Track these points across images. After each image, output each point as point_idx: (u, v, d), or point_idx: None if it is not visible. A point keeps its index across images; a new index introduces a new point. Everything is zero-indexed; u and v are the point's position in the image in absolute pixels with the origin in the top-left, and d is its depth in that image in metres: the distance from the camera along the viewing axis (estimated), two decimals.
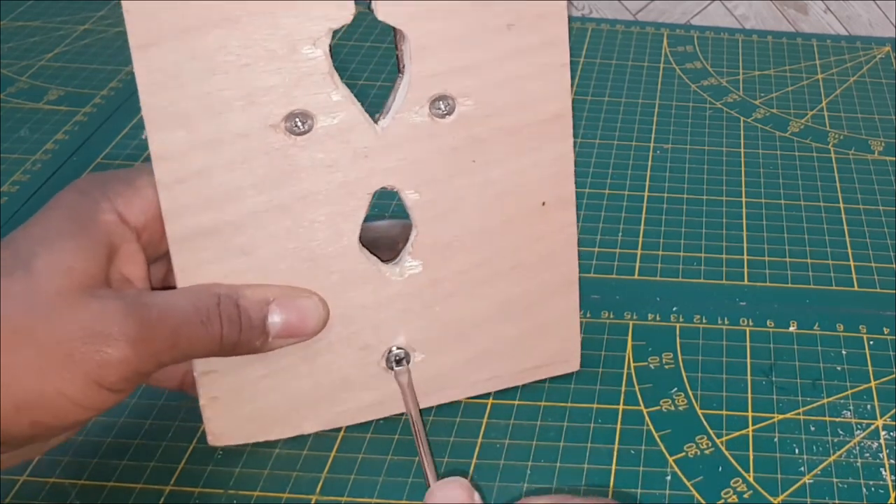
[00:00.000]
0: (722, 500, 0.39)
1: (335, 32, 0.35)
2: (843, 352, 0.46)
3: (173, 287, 0.36)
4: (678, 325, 0.47)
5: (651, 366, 0.45)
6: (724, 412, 0.43)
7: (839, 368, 0.45)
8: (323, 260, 0.38)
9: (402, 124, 0.37)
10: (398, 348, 0.40)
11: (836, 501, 0.39)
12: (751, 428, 0.42)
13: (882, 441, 0.42)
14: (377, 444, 0.41)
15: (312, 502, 0.39)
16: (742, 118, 0.63)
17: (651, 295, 0.49)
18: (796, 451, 0.41)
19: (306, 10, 0.34)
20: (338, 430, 0.41)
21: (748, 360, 0.45)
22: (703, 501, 0.39)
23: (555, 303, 0.42)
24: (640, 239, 0.52)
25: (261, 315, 0.36)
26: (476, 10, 0.36)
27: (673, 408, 0.43)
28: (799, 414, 0.43)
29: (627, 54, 0.70)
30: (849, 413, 0.43)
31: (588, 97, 0.64)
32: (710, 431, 0.42)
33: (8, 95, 0.62)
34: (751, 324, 0.47)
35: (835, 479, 0.40)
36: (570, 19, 0.74)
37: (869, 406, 0.43)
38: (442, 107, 0.37)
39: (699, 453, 0.41)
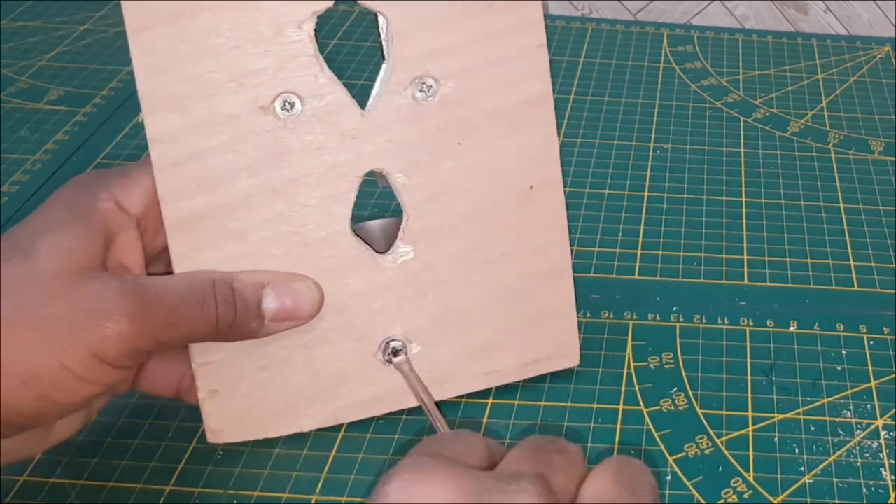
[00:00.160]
0: (722, 500, 0.39)
1: (320, 26, 0.37)
2: (843, 352, 0.46)
3: None
4: (678, 325, 0.47)
5: (651, 366, 0.45)
6: (724, 412, 0.43)
7: (839, 368, 0.45)
8: (316, 245, 0.38)
9: (387, 106, 0.38)
10: (395, 340, 0.40)
11: (836, 501, 0.39)
12: (751, 428, 0.42)
13: (882, 441, 0.42)
14: (377, 444, 0.41)
15: (312, 502, 0.39)
16: (742, 118, 0.63)
17: (651, 295, 0.49)
18: (796, 451, 0.41)
19: None
20: (338, 429, 0.41)
21: (748, 360, 0.45)
22: (703, 501, 0.39)
23: (549, 291, 0.42)
24: (640, 239, 0.52)
25: (255, 298, 0.37)
26: None
27: (673, 408, 0.43)
28: (799, 414, 0.43)
29: (627, 54, 0.70)
30: (849, 413, 0.43)
31: (588, 97, 0.64)
32: (710, 431, 0.42)
33: (8, 95, 0.62)
34: (751, 324, 0.47)
35: (835, 479, 0.40)
36: (571, 19, 0.74)
37: (869, 406, 0.43)
38: (425, 88, 0.38)
39: (699, 453, 0.41)
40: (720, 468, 0.40)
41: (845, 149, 0.61)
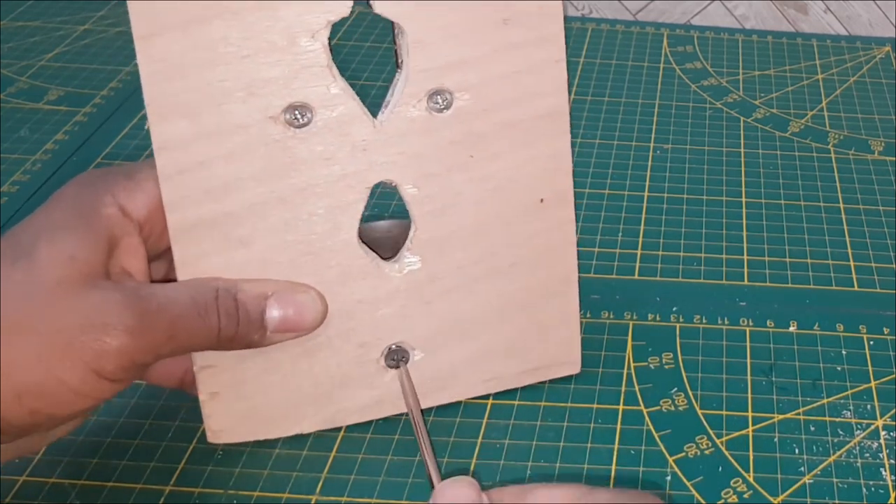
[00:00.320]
0: (722, 500, 0.39)
1: (336, 29, 0.36)
2: (843, 352, 0.46)
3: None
4: (678, 325, 0.47)
5: (651, 366, 0.45)
6: (724, 412, 0.43)
7: (839, 368, 0.45)
8: (322, 254, 0.38)
9: (400, 118, 0.37)
10: (397, 346, 0.40)
11: (836, 501, 0.39)
12: (751, 428, 0.42)
13: (882, 441, 0.42)
14: (377, 444, 0.41)
15: (312, 502, 0.39)
16: (742, 118, 0.63)
17: (651, 295, 0.49)
18: (796, 451, 0.41)
19: (305, 3, 0.35)
20: (338, 430, 0.41)
21: (748, 360, 0.45)
22: (703, 501, 0.39)
23: (554, 302, 0.42)
24: (640, 239, 0.52)
25: (259, 309, 0.36)
26: (472, 5, 0.37)
27: (673, 408, 0.43)
28: (799, 414, 0.43)
29: (627, 54, 0.70)
30: (849, 413, 0.43)
31: (588, 97, 0.64)
32: (710, 431, 0.42)
33: (8, 95, 0.62)
34: (751, 324, 0.47)
35: (835, 479, 0.40)
36: (571, 19, 0.74)
37: (869, 406, 0.43)
38: (439, 101, 0.38)
39: (699, 453, 0.41)
40: (720, 468, 0.40)
41: (845, 149, 0.61)
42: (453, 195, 0.39)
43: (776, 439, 0.42)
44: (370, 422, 0.41)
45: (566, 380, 0.44)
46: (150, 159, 0.35)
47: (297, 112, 0.36)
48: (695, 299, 0.49)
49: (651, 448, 0.41)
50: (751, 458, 0.41)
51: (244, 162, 0.36)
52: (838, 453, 0.41)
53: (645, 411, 0.43)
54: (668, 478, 0.40)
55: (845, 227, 0.54)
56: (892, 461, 0.41)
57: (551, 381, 0.44)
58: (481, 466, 0.40)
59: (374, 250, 0.39)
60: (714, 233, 0.53)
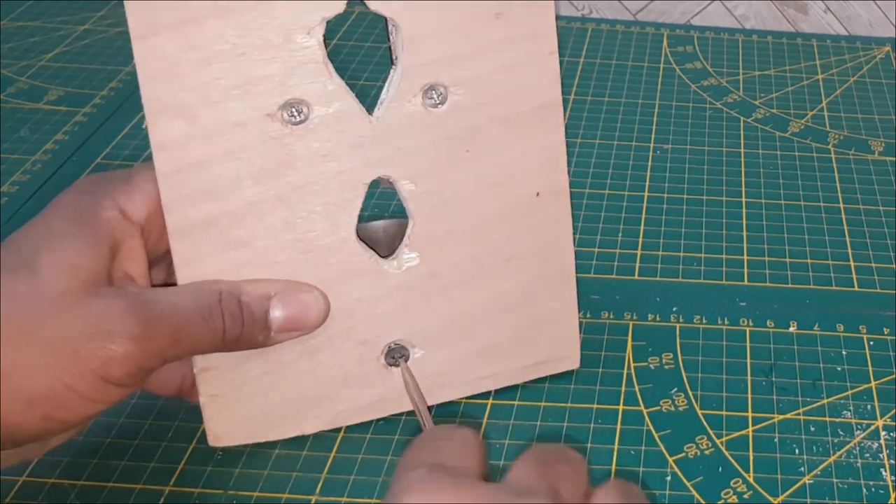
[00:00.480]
0: (722, 501, 0.39)
1: (336, 29, 0.36)
2: (843, 352, 0.46)
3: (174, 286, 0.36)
4: (678, 325, 0.47)
5: (651, 366, 0.45)
6: (724, 412, 0.43)
7: (839, 369, 0.45)
8: (320, 252, 0.38)
9: (396, 114, 0.37)
10: (396, 344, 0.40)
11: (836, 502, 0.39)
12: (751, 428, 0.42)
13: (882, 441, 0.42)
14: (377, 444, 0.41)
15: (312, 502, 0.39)
16: (742, 118, 0.63)
17: (651, 295, 0.49)
18: (796, 451, 0.41)
19: (300, 1, 0.35)
20: (338, 430, 0.41)
21: (748, 361, 0.45)
22: (703, 502, 0.39)
23: (552, 297, 0.42)
24: (640, 239, 0.52)
25: (262, 310, 0.36)
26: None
27: (673, 408, 0.43)
28: (799, 414, 0.43)
29: (627, 54, 0.70)
30: (849, 413, 0.43)
31: (588, 97, 0.64)
32: (710, 432, 0.42)
33: (8, 95, 0.62)
34: (751, 324, 0.47)
35: (835, 480, 0.40)
36: (571, 19, 0.74)
37: (869, 406, 0.43)
38: (434, 96, 0.38)
39: (699, 453, 0.41)
40: (720, 468, 0.40)
41: (845, 149, 0.61)
42: (450, 190, 0.39)
43: (776, 439, 0.42)
44: (370, 422, 0.41)
45: (566, 380, 0.44)
46: (147, 162, 0.36)
47: (293, 109, 0.36)
48: (695, 299, 0.49)
49: (651, 448, 0.41)
50: (751, 458, 0.41)
51: (242, 160, 0.36)
52: (838, 453, 0.41)
53: (645, 411, 0.43)
54: (668, 478, 0.40)
55: (845, 227, 0.54)
56: (893, 461, 0.41)
57: (551, 382, 0.44)
58: None
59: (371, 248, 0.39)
60: (714, 233, 0.53)
